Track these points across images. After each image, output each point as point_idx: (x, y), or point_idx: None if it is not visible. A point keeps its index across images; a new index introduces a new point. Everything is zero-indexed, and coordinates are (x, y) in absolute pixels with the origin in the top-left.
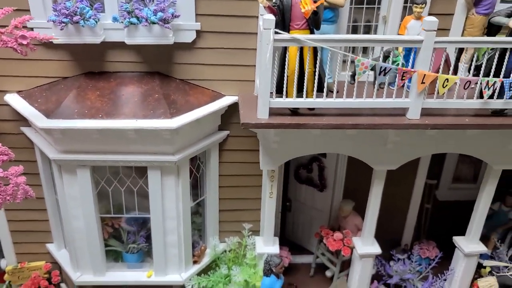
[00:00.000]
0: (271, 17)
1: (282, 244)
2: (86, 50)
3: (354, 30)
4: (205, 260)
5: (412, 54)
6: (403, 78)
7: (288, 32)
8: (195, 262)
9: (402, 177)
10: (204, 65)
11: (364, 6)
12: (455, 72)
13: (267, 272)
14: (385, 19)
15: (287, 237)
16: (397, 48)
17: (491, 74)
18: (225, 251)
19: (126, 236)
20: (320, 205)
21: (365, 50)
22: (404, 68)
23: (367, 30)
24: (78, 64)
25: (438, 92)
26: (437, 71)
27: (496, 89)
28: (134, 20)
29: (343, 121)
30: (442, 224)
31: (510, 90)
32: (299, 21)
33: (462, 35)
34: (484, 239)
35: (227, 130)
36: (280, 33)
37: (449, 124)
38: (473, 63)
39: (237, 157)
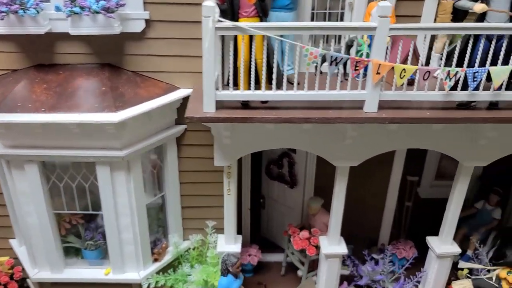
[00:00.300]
0: (211, 3)
1: (256, 241)
2: (34, 42)
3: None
4: (167, 258)
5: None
6: (357, 68)
7: (237, 20)
8: (156, 260)
9: (376, 173)
10: (156, 56)
11: None
12: (428, 62)
13: (224, 271)
14: (351, 5)
15: (262, 234)
16: (362, 37)
17: (453, 64)
18: (189, 248)
19: (83, 233)
20: (292, 202)
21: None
22: (356, 58)
23: (336, 18)
24: (27, 56)
25: (396, 84)
26: (405, 61)
27: (459, 80)
28: (77, 9)
29: (293, 115)
30: (424, 223)
31: (474, 81)
32: (248, 9)
33: (435, 22)
34: (467, 239)
35: (184, 124)
36: (222, 21)
37: (408, 118)
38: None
39: (197, 152)
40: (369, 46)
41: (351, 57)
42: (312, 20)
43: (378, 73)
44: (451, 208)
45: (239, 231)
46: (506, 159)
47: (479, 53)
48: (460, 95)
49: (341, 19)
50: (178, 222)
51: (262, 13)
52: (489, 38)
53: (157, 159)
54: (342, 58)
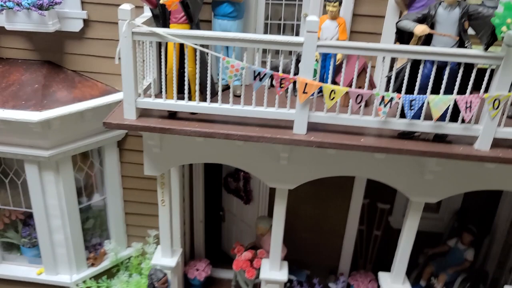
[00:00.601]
0: (127, 7)
1: (216, 255)
2: None
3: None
4: (104, 264)
5: (332, 60)
6: (282, 85)
7: (168, 26)
8: (92, 265)
9: (337, 198)
10: (95, 57)
11: (283, 2)
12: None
13: (149, 286)
14: (306, 17)
15: (223, 248)
16: None
17: (390, 88)
18: (132, 256)
19: (21, 229)
20: (248, 218)
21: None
22: (280, 74)
23: (292, 30)
24: None
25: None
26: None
27: (397, 106)
28: (10, 4)
29: (215, 129)
30: (394, 255)
31: (411, 110)
32: (177, 14)
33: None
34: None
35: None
36: (138, 26)
37: (338, 144)
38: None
39: (139, 158)
40: (321, 61)
41: (275, 73)
42: (265, 31)
43: (305, 93)
44: (401, 245)
45: (191, 244)
46: (487, 195)
47: (419, 79)
48: (398, 124)
49: (297, 31)
50: (120, 228)
51: (189, 19)
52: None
53: (95, 162)
54: (266, 74)
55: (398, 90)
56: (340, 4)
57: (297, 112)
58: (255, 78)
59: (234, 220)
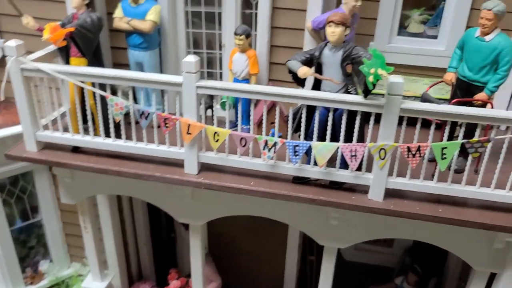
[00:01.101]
0: (13, 43)
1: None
2: None
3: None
4: (43, 283)
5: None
6: (167, 125)
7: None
8: (31, 283)
9: (274, 229)
10: None
11: (204, 31)
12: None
13: None
14: (224, 46)
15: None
16: None
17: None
18: (73, 276)
19: None
20: None
21: None
22: (163, 114)
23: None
24: None
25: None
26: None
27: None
28: None
29: (109, 165)
30: (344, 286)
31: (296, 156)
32: (75, 48)
33: None
34: None
35: None
36: (25, 62)
37: (225, 186)
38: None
39: None
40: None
41: (158, 113)
42: None
43: (189, 133)
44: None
45: (139, 266)
46: None
47: (303, 124)
48: (287, 168)
49: (220, 61)
50: (59, 248)
51: (82, 54)
52: (327, 109)
53: (27, 185)
54: (149, 113)
55: (296, 131)
56: (247, 37)
57: (186, 151)
58: (140, 116)
59: (184, 244)
